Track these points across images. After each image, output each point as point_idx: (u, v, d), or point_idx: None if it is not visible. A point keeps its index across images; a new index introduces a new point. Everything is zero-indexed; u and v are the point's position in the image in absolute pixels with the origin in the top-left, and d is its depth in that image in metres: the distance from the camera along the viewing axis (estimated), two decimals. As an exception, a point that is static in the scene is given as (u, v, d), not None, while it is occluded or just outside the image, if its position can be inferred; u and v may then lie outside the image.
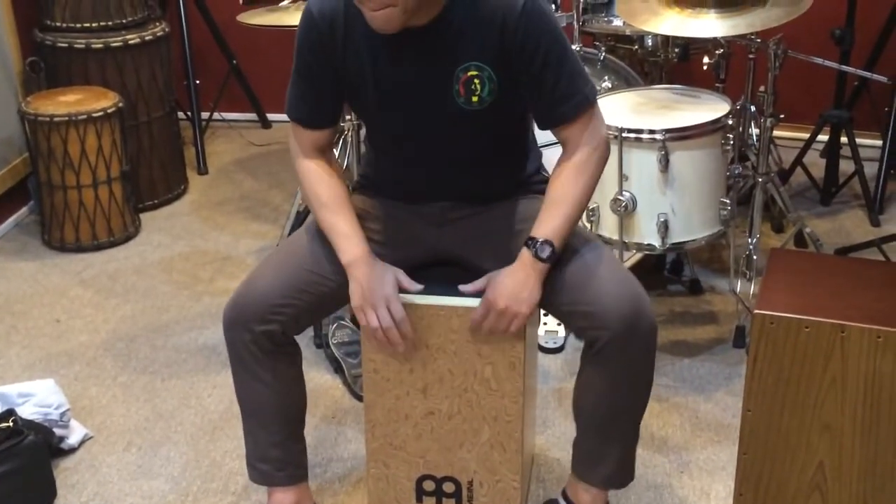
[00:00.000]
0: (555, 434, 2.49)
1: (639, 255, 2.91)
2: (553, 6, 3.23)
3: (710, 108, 2.72)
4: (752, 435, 1.86)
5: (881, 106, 3.84)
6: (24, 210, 3.79)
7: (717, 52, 3.25)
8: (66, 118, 3.36)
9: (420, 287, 1.94)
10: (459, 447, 2.06)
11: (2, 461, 2.16)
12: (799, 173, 3.77)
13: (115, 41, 3.60)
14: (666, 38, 3.42)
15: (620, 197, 2.64)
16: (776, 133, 3.55)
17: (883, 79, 3.07)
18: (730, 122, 2.66)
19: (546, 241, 1.85)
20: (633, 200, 2.64)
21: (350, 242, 1.93)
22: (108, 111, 3.43)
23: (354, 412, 2.59)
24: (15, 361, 2.86)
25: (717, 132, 2.64)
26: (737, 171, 2.83)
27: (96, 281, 3.32)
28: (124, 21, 3.66)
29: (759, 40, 2.89)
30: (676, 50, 3.39)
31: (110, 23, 3.63)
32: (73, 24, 3.61)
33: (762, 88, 2.89)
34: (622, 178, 2.63)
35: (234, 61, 4.47)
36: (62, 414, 2.45)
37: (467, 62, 1.84)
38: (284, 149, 4.27)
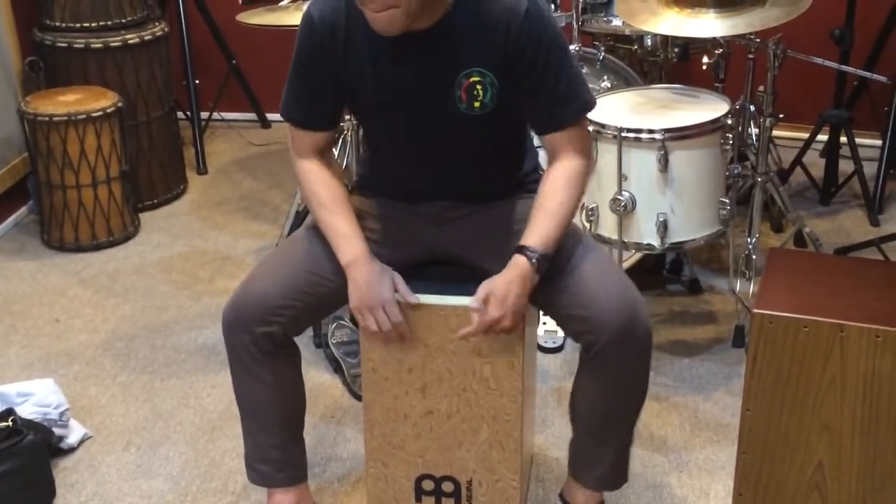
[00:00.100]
0: (554, 433, 2.49)
1: (638, 255, 2.91)
2: (552, 6, 3.22)
3: (709, 108, 2.71)
4: (751, 434, 1.86)
5: (881, 106, 3.84)
6: (23, 210, 3.79)
7: (716, 51, 3.25)
8: (66, 118, 3.36)
9: (417, 299, 1.94)
10: (458, 447, 2.06)
11: (1, 461, 2.16)
12: (798, 173, 3.77)
13: (115, 41, 3.60)
14: (665, 38, 3.41)
15: (620, 196, 2.63)
16: (775, 133, 3.54)
17: (882, 78, 3.07)
18: (729, 121, 2.66)
19: (537, 250, 1.85)
20: (633, 200, 2.64)
21: (349, 243, 1.93)
22: (108, 111, 3.43)
23: (353, 412, 2.59)
24: (14, 361, 2.86)
25: (716, 132, 2.64)
26: (736, 171, 2.83)
27: (95, 281, 3.32)
28: (124, 21, 3.66)
29: (758, 40, 2.89)
30: (676, 50, 3.39)
31: (110, 22, 3.63)
32: (72, 24, 3.61)
33: (761, 88, 2.89)
34: (621, 177, 2.63)
35: (234, 61, 4.46)
36: (61, 413, 2.45)
37: (470, 68, 1.83)
38: (284, 149, 4.27)
